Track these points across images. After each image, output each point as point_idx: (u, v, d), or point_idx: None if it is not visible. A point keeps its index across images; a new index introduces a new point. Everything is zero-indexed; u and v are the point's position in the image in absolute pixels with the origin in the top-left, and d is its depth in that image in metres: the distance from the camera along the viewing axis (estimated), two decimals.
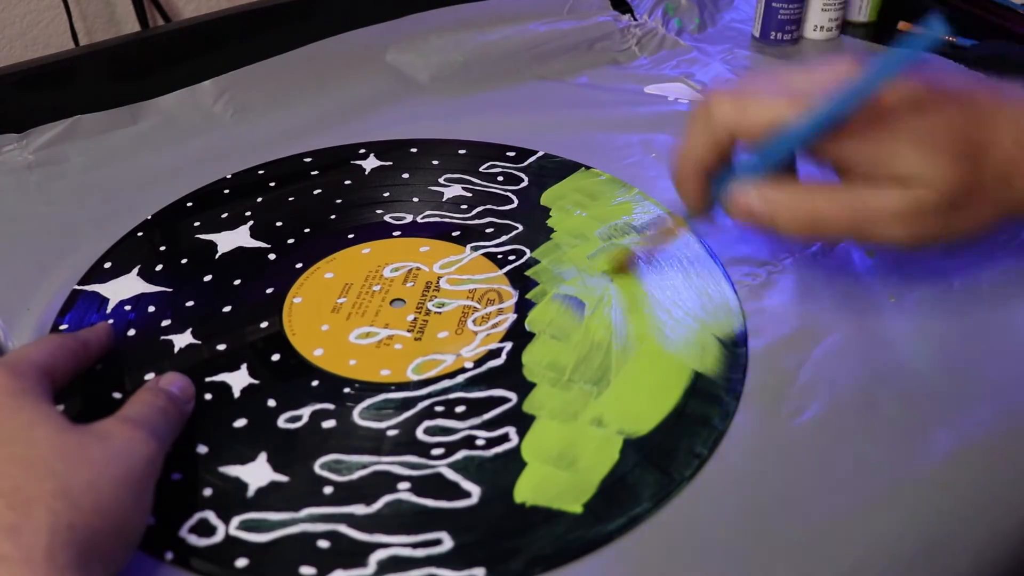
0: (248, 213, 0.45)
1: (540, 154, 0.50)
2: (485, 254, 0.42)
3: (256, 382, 0.35)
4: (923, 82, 0.32)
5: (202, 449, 0.32)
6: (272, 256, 0.42)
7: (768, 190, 0.34)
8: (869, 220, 0.33)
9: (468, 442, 0.32)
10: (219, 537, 0.29)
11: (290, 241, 0.43)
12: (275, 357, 0.36)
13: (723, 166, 0.35)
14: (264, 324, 0.38)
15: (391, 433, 0.33)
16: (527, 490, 0.31)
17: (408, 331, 0.38)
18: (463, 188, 0.47)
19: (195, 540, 0.29)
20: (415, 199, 0.46)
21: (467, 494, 0.31)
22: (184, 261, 0.42)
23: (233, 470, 0.32)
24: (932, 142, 0.31)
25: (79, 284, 0.41)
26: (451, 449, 0.32)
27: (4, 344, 0.37)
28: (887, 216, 0.32)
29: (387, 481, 0.31)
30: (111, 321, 0.38)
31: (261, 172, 0.49)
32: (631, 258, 0.41)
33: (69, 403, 0.34)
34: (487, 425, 0.33)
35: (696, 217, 0.37)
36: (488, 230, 0.44)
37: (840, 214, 0.33)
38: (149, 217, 0.45)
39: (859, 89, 0.31)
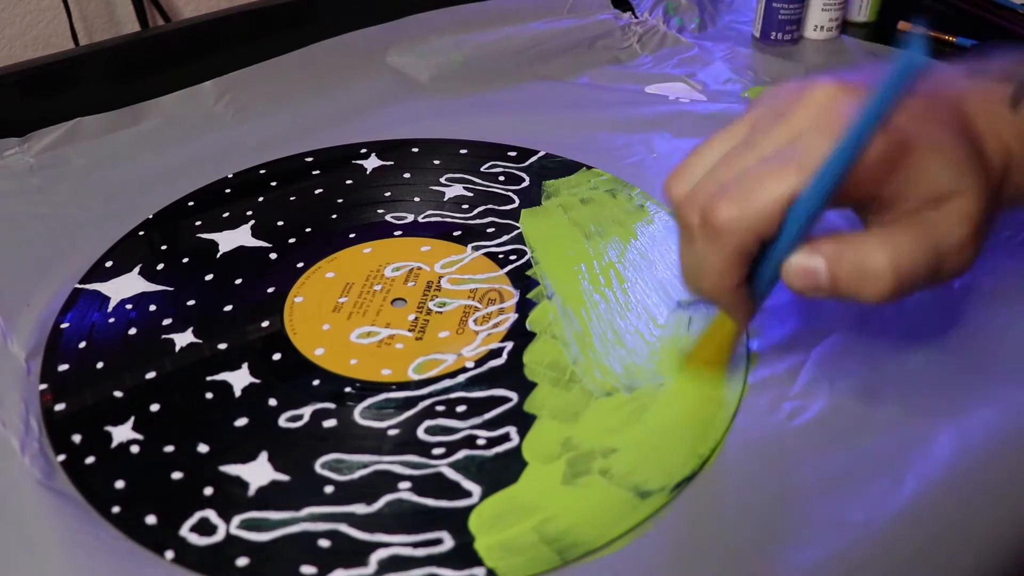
0: (249, 212, 0.45)
1: (541, 154, 0.50)
2: (486, 254, 0.42)
3: (257, 381, 0.35)
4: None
5: (203, 448, 0.32)
6: (273, 255, 0.42)
7: (829, 246, 0.28)
8: (947, 246, 0.28)
9: (469, 442, 0.33)
10: (220, 536, 0.29)
11: (291, 240, 0.43)
12: (276, 356, 0.36)
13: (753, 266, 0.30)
14: (265, 323, 0.38)
15: (392, 432, 0.33)
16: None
17: (409, 331, 0.38)
18: (464, 188, 0.47)
19: (196, 539, 0.29)
20: (416, 199, 0.46)
21: (468, 494, 0.31)
22: (185, 260, 0.42)
23: (234, 469, 0.32)
24: (947, 151, 0.28)
25: (80, 283, 0.41)
26: (452, 449, 0.32)
27: (4, 342, 0.37)
28: (961, 236, 0.28)
29: (388, 480, 0.31)
30: (112, 320, 0.38)
31: (262, 171, 0.49)
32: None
33: (70, 402, 0.34)
34: (488, 425, 0.33)
35: (746, 324, 0.33)
36: (489, 230, 0.44)
37: (921, 254, 0.28)
38: (150, 216, 0.45)
39: (864, 126, 0.26)
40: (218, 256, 0.42)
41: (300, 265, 0.41)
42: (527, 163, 0.49)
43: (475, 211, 0.45)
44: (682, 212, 0.30)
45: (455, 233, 0.43)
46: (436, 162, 0.49)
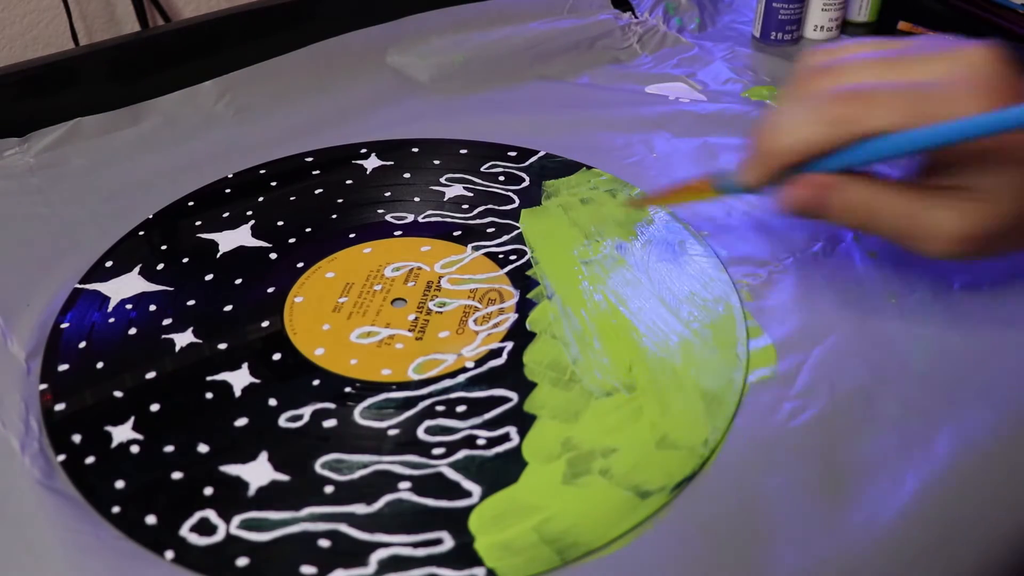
0: (249, 212, 0.45)
1: (541, 154, 0.50)
2: (486, 254, 0.42)
3: (257, 381, 0.35)
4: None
5: (203, 448, 0.32)
6: (273, 255, 0.42)
7: (830, 178, 0.33)
8: (918, 237, 0.33)
9: (469, 442, 0.33)
10: (220, 536, 0.29)
11: (291, 240, 0.43)
12: (276, 356, 0.36)
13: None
14: (265, 323, 0.38)
15: (392, 432, 0.33)
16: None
17: (409, 331, 0.38)
18: (464, 188, 0.47)
19: (196, 539, 0.29)
20: (416, 199, 0.46)
21: (468, 494, 0.31)
22: (185, 260, 0.42)
23: (234, 469, 0.32)
24: (1004, 159, 0.30)
25: (80, 283, 0.41)
26: (452, 449, 0.32)
27: (4, 342, 0.37)
28: (940, 240, 0.32)
29: (388, 480, 0.31)
30: (112, 319, 0.38)
31: (262, 171, 0.49)
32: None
33: (70, 402, 0.34)
34: (488, 425, 0.33)
35: (746, 191, 0.36)
36: (489, 230, 0.44)
37: (893, 222, 0.33)
38: (150, 216, 0.45)
39: (992, 124, 0.28)
40: (218, 256, 0.42)
41: (300, 265, 0.41)
42: (527, 163, 0.49)
43: (475, 211, 0.45)
44: (802, 78, 0.33)
45: (455, 233, 0.43)
46: (436, 162, 0.49)
